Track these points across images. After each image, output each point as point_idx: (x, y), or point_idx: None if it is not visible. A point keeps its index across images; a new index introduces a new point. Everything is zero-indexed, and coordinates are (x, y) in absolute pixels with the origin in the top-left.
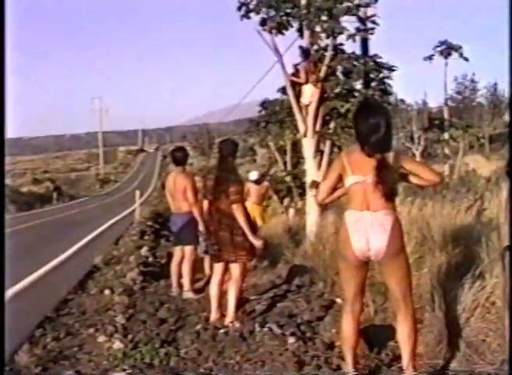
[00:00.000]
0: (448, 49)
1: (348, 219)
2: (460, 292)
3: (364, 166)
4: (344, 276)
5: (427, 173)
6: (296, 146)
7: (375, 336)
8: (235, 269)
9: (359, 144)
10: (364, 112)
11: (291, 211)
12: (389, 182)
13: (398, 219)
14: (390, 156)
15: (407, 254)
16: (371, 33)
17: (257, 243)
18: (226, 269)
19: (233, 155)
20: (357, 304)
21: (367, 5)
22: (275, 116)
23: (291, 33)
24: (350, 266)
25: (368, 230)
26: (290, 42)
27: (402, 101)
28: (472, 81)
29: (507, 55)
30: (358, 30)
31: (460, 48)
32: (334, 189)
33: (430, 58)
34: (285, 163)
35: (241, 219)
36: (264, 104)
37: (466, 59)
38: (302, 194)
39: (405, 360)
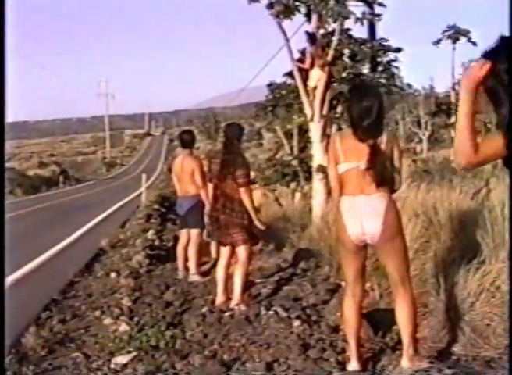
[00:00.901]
0: (456, 34)
1: (343, 205)
2: (465, 277)
3: (357, 151)
4: (344, 260)
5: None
6: (303, 130)
7: (380, 320)
8: (241, 252)
9: (351, 128)
10: (356, 95)
11: (297, 195)
12: (381, 167)
13: (393, 202)
14: (383, 141)
15: (404, 237)
16: (379, 18)
17: (262, 226)
18: (233, 253)
19: (239, 138)
20: (358, 288)
21: None
22: (282, 99)
23: (298, 17)
24: (348, 251)
25: (362, 215)
26: (297, 27)
27: (409, 85)
28: None
29: None
30: (365, 14)
31: (469, 32)
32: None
33: (438, 42)
34: (291, 147)
35: (248, 203)
36: (271, 86)
37: (474, 44)
38: (308, 179)
39: (405, 343)
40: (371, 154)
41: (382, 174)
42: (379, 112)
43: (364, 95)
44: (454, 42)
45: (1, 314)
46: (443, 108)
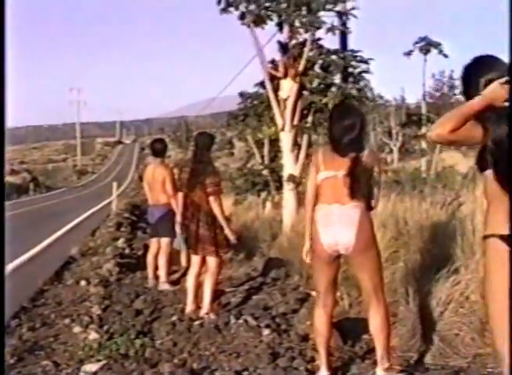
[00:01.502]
0: (427, 46)
1: (318, 214)
2: (434, 286)
3: (336, 161)
4: (316, 270)
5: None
6: (274, 140)
7: (350, 329)
8: (211, 261)
9: (332, 144)
10: (337, 114)
11: (268, 204)
12: (359, 179)
13: (367, 213)
14: (364, 155)
15: (378, 248)
16: (350, 29)
17: (232, 237)
18: (203, 262)
19: (209, 147)
20: (329, 298)
21: (345, 0)
22: (253, 109)
23: (270, 27)
24: (321, 261)
25: (335, 224)
26: (269, 36)
27: (380, 96)
28: (450, 78)
29: (507, 56)
30: (337, 24)
31: (440, 44)
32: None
33: (409, 54)
34: (262, 157)
35: (218, 212)
36: (243, 96)
37: (445, 56)
38: (279, 188)
39: (379, 352)
40: (352, 165)
41: (359, 186)
42: (361, 130)
43: (346, 114)
44: (425, 54)
45: (1, 314)
46: (414, 118)
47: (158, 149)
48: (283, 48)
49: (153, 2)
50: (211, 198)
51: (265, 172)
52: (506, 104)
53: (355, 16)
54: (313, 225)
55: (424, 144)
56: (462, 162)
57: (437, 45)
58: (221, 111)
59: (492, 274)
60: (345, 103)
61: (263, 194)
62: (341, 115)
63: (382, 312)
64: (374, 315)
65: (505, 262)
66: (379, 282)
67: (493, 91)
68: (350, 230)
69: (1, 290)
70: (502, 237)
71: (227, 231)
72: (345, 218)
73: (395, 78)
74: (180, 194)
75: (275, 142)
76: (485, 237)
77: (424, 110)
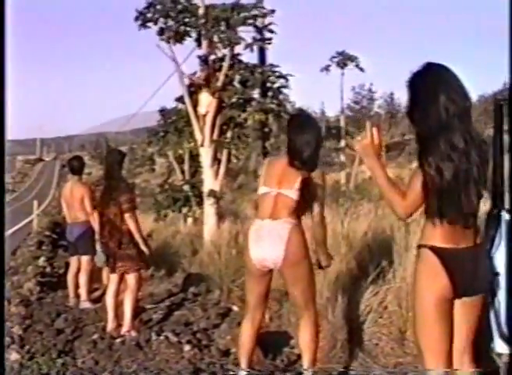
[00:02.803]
0: (344, 60)
1: (250, 229)
2: (353, 298)
3: (279, 177)
4: (247, 284)
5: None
6: (195, 155)
7: (271, 342)
8: (130, 278)
9: (289, 157)
10: (298, 126)
11: (189, 220)
12: (305, 196)
13: (298, 228)
14: (316, 172)
15: (311, 263)
16: (269, 43)
17: (147, 251)
18: (122, 279)
19: (120, 164)
20: (258, 312)
21: (264, 16)
22: (173, 125)
23: (189, 43)
24: (251, 275)
25: (265, 239)
26: (188, 52)
27: (300, 110)
28: (370, 91)
29: (507, 56)
30: (255, 39)
31: (356, 58)
32: None
33: (327, 68)
34: (183, 172)
35: (134, 228)
36: (163, 112)
37: (362, 70)
38: (200, 203)
39: (305, 366)
40: (304, 183)
41: (299, 203)
42: (317, 144)
43: (306, 126)
44: (342, 68)
45: (1, 314)
46: (333, 132)
47: (76, 167)
48: (203, 62)
49: (71, 17)
50: (127, 215)
51: (186, 187)
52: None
53: (273, 31)
54: (246, 240)
55: (343, 157)
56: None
57: (354, 59)
58: (141, 127)
59: (420, 283)
60: (303, 114)
61: (184, 210)
62: (301, 127)
63: (312, 325)
64: (304, 329)
65: (433, 273)
66: (311, 297)
67: (363, 150)
68: (278, 246)
69: (1, 290)
70: (432, 249)
71: (143, 247)
72: (274, 233)
73: (315, 92)
74: (96, 213)
75: (195, 157)
76: (419, 247)
77: (342, 123)
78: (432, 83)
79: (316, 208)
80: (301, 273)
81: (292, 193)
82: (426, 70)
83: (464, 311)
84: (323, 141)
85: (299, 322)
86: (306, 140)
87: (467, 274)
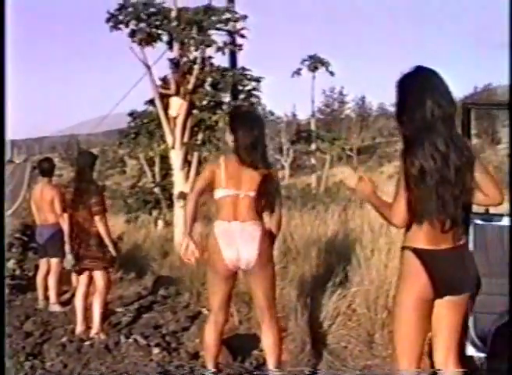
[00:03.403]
0: (315, 63)
1: (217, 230)
2: (322, 301)
3: (239, 179)
4: (212, 286)
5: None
6: (166, 157)
7: (240, 345)
8: (99, 281)
9: (240, 156)
10: (246, 124)
11: (160, 222)
12: (267, 197)
13: (267, 229)
14: (273, 171)
15: (274, 265)
16: (240, 49)
17: (114, 252)
18: (91, 282)
19: (92, 166)
20: (222, 314)
21: (236, 20)
22: (144, 127)
23: (161, 45)
24: (219, 277)
25: (237, 240)
26: (160, 54)
27: (271, 113)
28: (340, 94)
29: (507, 57)
30: (227, 43)
31: (327, 62)
32: (201, 195)
33: (298, 72)
34: (154, 175)
35: (103, 230)
36: (133, 115)
37: (332, 74)
38: (170, 206)
39: (270, 368)
40: (264, 181)
41: (262, 204)
42: (264, 141)
43: (255, 124)
44: (313, 71)
45: (1, 314)
46: (303, 135)
47: (46, 169)
48: (174, 65)
49: (43, 16)
50: (96, 218)
51: (157, 190)
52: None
53: (244, 36)
54: (213, 241)
55: (313, 161)
56: (352, 176)
57: (324, 63)
58: (113, 128)
59: (402, 285)
60: (250, 111)
61: (155, 212)
62: (250, 125)
63: (275, 328)
64: (267, 331)
65: (414, 274)
66: (273, 299)
67: (362, 192)
68: (252, 246)
69: (1, 290)
70: (415, 250)
71: (111, 249)
72: (246, 234)
73: (286, 95)
74: (65, 215)
75: (166, 160)
76: (402, 249)
77: (313, 126)
78: (420, 86)
79: (276, 208)
80: (268, 274)
81: (254, 194)
82: (415, 73)
83: (448, 310)
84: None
85: (261, 325)
86: (257, 137)
87: (449, 274)
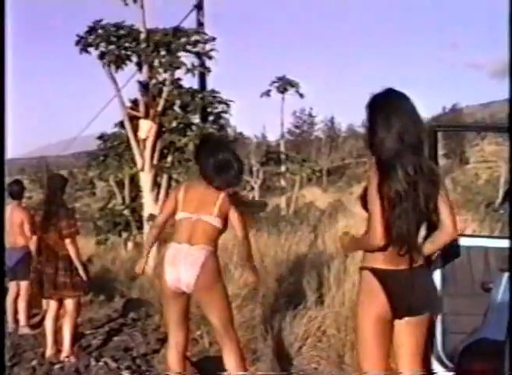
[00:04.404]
0: (284, 85)
1: (167, 252)
2: (292, 322)
3: (197, 202)
4: (165, 308)
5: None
6: (135, 180)
7: (210, 367)
8: (68, 304)
9: (208, 179)
10: (209, 149)
11: (129, 244)
12: (231, 218)
13: (214, 254)
14: (240, 193)
15: (224, 287)
16: (209, 71)
17: (85, 277)
18: (61, 304)
19: (62, 189)
20: (180, 336)
21: (205, 42)
22: (113, 149)
23: (130, 67)
24: (167, 298)
25: (181, 263)
26: (129, 76)
27: (241, 134)
28: (310, 115)
29: (507, 57)
30: (195, 65)
31: (297, 84)
32: (168, 220)
33: (267, 93)
34: (123, 197)
35: (73, 253)
36: (103, 137)
37: (301, 96)
38: (140, 228)
39: None
40: (221, 206)
41: (216, 228)
42: (238, 166)
43: (217, 148)
44: (283, 92)
45: (1, 315)
46: (273, 156)
47: (15, 191)
48: (144, 87)
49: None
50: (67, 241)
51: (126, 212)
52: None
53: (211, 58)
54: (162, 263)
55: (283, 182)
56: (322, 198)
57: (294, 84)
58: (83, 150)
59: (361, 304)
60: (214, 137)
61: (124, 235)
62: (213, 148)
63: (235, 350)
64: (228, 354)
65: (372, 294)
66: (228, 321)
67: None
68: (192, 270)
69: (1, 291)
70: (373, 270)
71: (81, 273)
72: (190, 258)
73: (256, 116)
74: (34, 238)
75: (135, 182)
76: (361, 269)
77: (283, 148)
78: (389, 111)
79: (239, 229)
80: (216, 298)
81: (211, 219)
82: (385, 97)
83: (409, 330)
84: (239, 161)
85: (223, 349)
86: (220, 161)
87: (407, 294)
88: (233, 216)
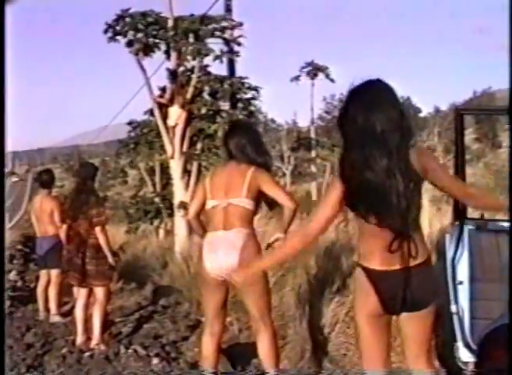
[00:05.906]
0: (314, 70)
1: (205, 241)
2: (321, 308)
3: (225, 187)
4: (204, 296)
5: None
6: (166, 167)
7: (240, 354)
8: (99, 292)
9: (233, 157)
10: (232, 131)
11: (161, 232)
12: (264, 197)
13: (252, 236)
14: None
15: (265, 272)
16: (237, 56)
17: (113, 262)
18: (91, 292)
19: (93, 178)
20: (217, 324)
21: (233, 27)
22: (143, 137)
23: (159, 55)
24: (207, 286)
25: (219, 249)
26: (158, 64)
27: (272, 120)
28: (341, 101)
29: (507, 60)
30: (224, 51)
31: (327, 68)
32: (201, 209)
33: (297, 78)
34: (154, 185)
35: (103, 241)
36: (132, 124)
37: (332, 80)
38: (171, 215)
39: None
40: (249, 187)
41: (248, 209)
42: (259, 146)
43: (240, 132)
44: (313, 78)
45: (1, 315)
46: (303, 142)
47: (45, 180)
48: (172, 75)
49: (44, 27)
50: (97, 229)
51: (157, 199)
52: None
53: (240, 44)
54: (201, 252)
55: (314, 168)
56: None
57: (324, 69)
58: (114, 139)
59: (354, 300)
60: (240, 121)
61: (156, 222)
62: (237, 131)
63: (269, 336)
64: (261, 339)
65: (364, 293)
66: (265, 307)
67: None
68: (232, 255)
69: (1, 292)
70: (365, 270)
71: (111, 260)
72: (228, 242)
73: (286, 102)
74: (64, 226)
75: (166, 169)
76: (356, 264)
77: (313, 134)
78: (367, 99)
79: (284, 200)
80: (255, 283)
81: (241, 201)
82: (366, 86)
83: (411, 325)
84: (262, 144)
85: (257, 335)
86: (244, 144)
87: (401, 294)
88: (272, 189)
